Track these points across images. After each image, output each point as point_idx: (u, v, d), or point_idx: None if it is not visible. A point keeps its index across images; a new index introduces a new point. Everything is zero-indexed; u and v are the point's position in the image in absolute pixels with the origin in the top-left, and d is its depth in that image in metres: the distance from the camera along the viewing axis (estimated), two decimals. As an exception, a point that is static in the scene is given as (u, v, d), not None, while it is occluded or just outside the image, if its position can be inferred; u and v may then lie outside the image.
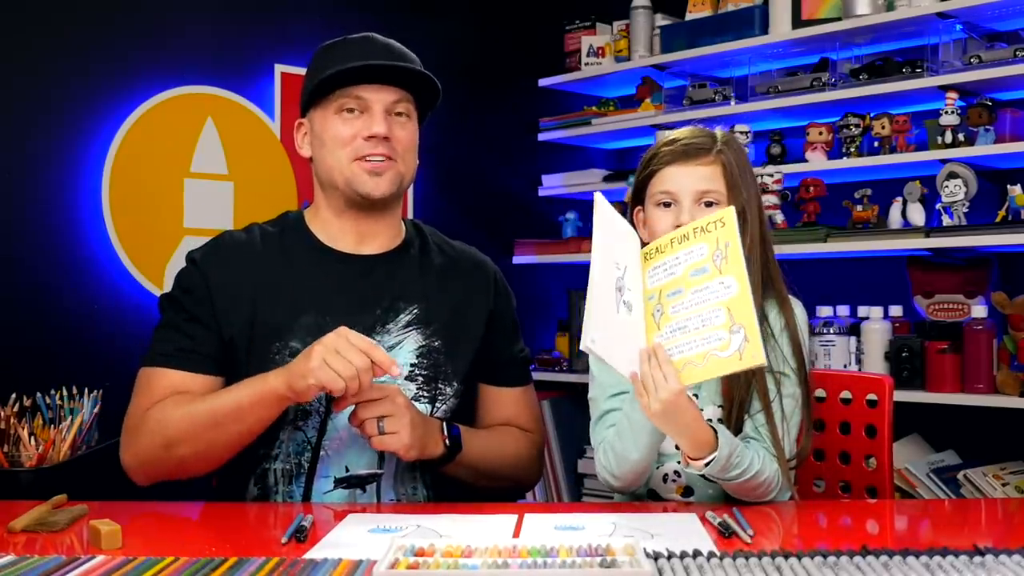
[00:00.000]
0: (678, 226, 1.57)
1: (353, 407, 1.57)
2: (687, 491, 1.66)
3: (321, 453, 1.66)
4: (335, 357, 1.48)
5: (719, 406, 1.63)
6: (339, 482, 1.66)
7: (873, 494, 1.88)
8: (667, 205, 1.63)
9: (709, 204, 1.61)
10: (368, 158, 1.69)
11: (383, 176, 1.70)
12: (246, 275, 1.69)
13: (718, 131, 1.69)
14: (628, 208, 1.73)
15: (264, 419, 1.58)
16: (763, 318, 1.62)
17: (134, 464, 1.64)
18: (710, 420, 1.52)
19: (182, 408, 1.59)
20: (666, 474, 1.67)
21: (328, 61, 1.70)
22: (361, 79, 1.68)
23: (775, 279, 1.67)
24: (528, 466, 1.82)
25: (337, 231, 1.75)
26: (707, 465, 1.47)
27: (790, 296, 1.68)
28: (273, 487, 1.66)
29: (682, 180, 1.62)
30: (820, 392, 1.90)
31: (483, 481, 1.73)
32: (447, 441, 1.64)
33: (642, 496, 1.69)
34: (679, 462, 1.62)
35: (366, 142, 1.68)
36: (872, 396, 1.89)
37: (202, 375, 1.65)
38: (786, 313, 1.65)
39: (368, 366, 1.49)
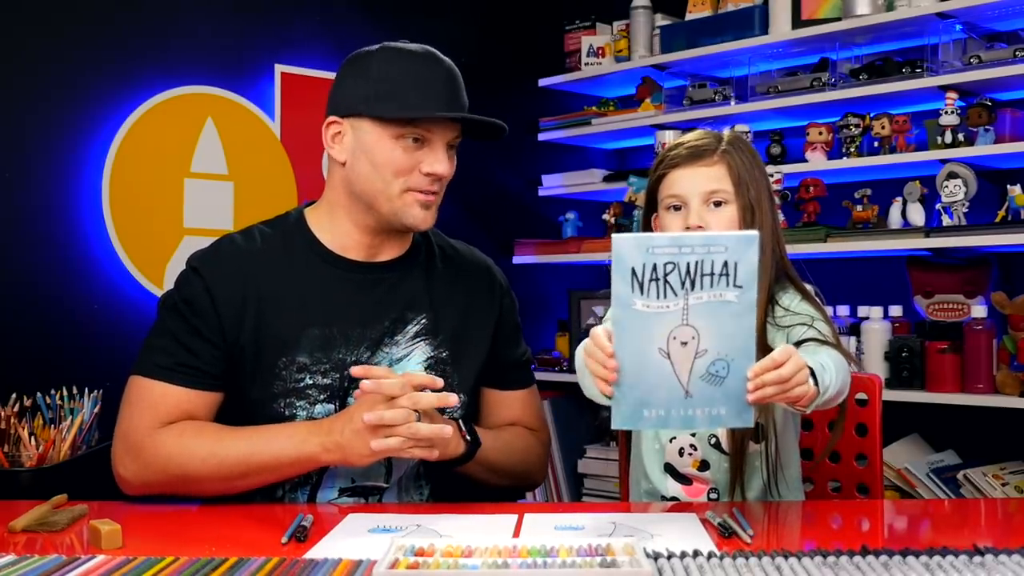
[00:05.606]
0: (688, 228, 1.60)
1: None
2: (703, 465, 1.67)
3: (330, 467, 1.63)
4: (385, 429, 1.47)
5: None
6: (344, 492, 1.64)
7: (864, 492, 1.88)
8: (676, 208, 1.65)
9: (718, 204, 1.63)
10: (423, 192, 1.64)
11: (431, 209, 1.66)
12: (250, 285, 1.62)
13: (726, 131, 1.71)
14: (642, 215, 1.75)
15: (300, 474, 1.59)
16: (774, 302, 1.62)
17: (136, 483, 1.57)
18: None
19: (205, 446, 1.54)
20: (681, 447, 1.67)
21: (399, 82, 1.61)
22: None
23: (790, 275, 1.67)
24: (537, 463, 1.81)
25: (349, 240, 1.69)
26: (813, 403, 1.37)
27: (807, 286, 1.67)
28: (279, 498, 1.64)
29: (688, 182, 1.64)
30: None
31: (495, 479, 1.71)
32: (467, 437, 1.62)
33: (658, 479, 1.69)
34: (692, 434, 1.66)
35: (424, 177, 1.63)
36: (862, 395, 1.90)
37: (206, 392, 1.60)
38: (805, 298, 1.63)
39: (410, 414, 1.48)
